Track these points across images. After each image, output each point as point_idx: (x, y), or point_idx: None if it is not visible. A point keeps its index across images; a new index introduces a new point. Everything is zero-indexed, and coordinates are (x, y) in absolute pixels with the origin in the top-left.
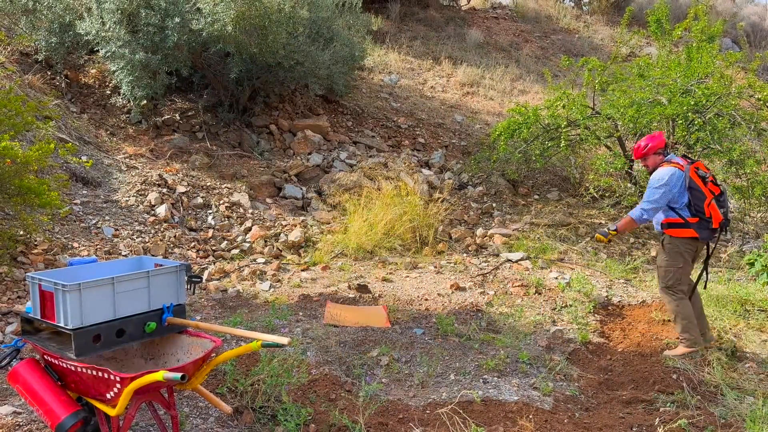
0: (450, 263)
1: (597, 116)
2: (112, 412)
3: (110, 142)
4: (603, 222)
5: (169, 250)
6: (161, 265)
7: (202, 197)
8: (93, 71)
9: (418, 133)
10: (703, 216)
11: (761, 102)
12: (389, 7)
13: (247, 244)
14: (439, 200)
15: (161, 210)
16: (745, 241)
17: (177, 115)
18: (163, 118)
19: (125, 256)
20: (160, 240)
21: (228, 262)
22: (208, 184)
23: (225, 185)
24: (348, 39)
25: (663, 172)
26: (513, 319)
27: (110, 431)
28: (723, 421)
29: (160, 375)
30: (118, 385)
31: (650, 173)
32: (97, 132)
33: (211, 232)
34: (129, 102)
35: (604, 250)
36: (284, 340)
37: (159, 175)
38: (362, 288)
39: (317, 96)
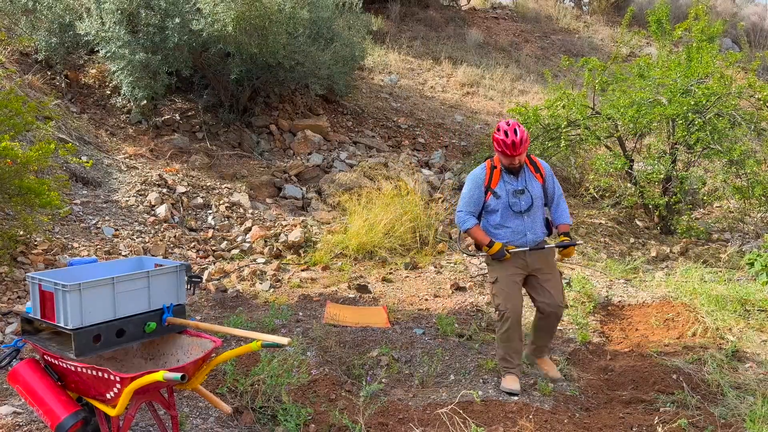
0: (450, 263)
1: (597, 116)
2: (112, 412)
3: (110, 142)
4: (603, 222)
5: (169, 250)
6: (161, 265)
7: (202, 197)
8: (93, 71)
9: (418, 133)
10: None
11: (761, 102)
12: (389, 7)
13: (247, 244)
14: (440, 200)
15: (161, 210)
16: (745, 241)
17: (177, 115)
18: (163, 118)
19: (125, 256)
20: (160, 240)
21: (228, 262)
22: (208, 184)
23: (225, 185)
24: (348, 39)
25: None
26: None
27: (110, 431)
28: (723, 421)
29: (160, 375)
30: (118, 385)
31: None
32: (97, 132)
33: (211, 232)
34: (129, 102)
35: (604, 249)
36: (284, 341)
37: (159, 175)
38: (362, 288)
39: (317, 96)
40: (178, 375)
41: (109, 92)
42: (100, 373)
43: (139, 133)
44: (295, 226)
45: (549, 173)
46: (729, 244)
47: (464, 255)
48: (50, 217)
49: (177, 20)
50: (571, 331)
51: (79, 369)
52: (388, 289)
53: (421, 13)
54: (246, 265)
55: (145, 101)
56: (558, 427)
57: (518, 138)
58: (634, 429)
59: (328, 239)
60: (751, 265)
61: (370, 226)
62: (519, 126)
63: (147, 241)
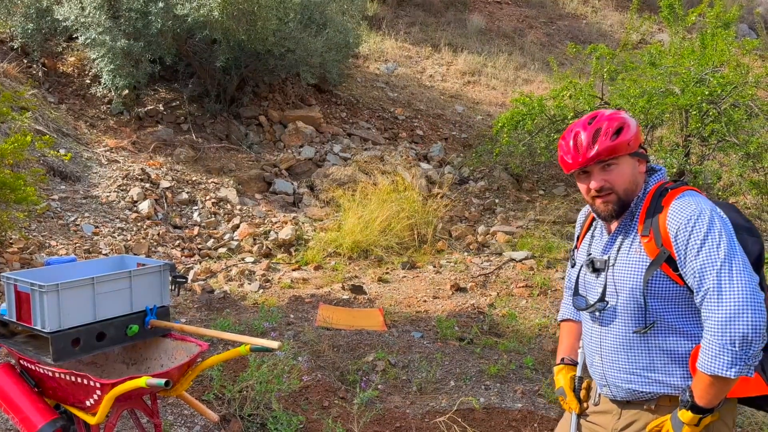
0: (450, 263)
1: (606, 107)
2: (92, 420)
3: (90, 134)
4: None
5: (153, 249)
6: (144, 265)
7: (187, 193)
8: (72, 59)
9: (416, 124)
10: None
11: None
12: None
13: (235, 243)
14: (439, 196)
15: (144, 206)
16: (764, 239)
17: (161, 105)
18: (146, 109)
19: (106, 255)
20: (143, 238)
21: (215, 262)
22: (194, 178)
23: (212, 180)
24: (342, 25)
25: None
26: (517, 322)
27: None
28: None
29: (142, 381)
30: (99, 392)
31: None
32: (76, 123)
33: (196, 229)
34: (110, 92)
35: None
36: (274, 344)
37: (142, 169)
38: (357, 289)
39: (309, 85)
40: (162, 381)
41: (88, 81)
42: (79, 379)
43: (120, 125)
44: (286, 223)
45: (689, 230)
46: None
47: (465, 254)
48: (26, 213)
49: (160, 5)
50: None
51: (57, 375)
52: (384, 290)
53: None
54: (234, 265)
55: (126, 91)
56: None
57: (588, 134)
58: None
59: (320, 237)
60: None
61: (366, 224)
62: (607, 116)
63: (129, 239)
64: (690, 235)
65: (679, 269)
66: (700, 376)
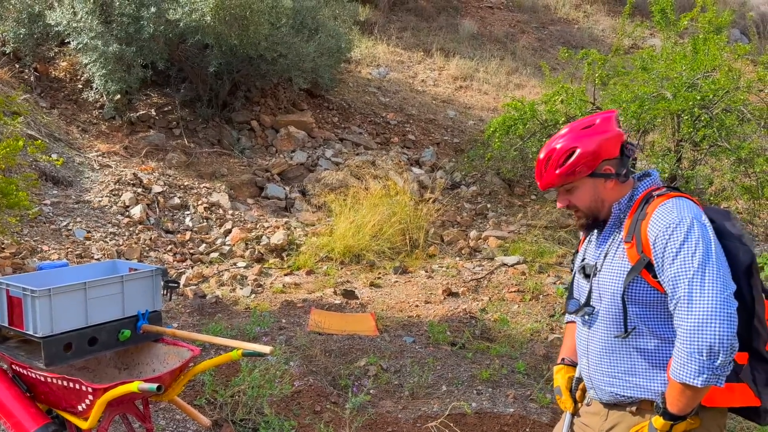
0: (442, 267)
1: (597, 112)
2: (84, 425)
3: (82, 139)
4: None
5: (145, 254)
6: (136, 270)
7: (179, 197)
8: (64, 64)
9: (408, 129)
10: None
11: None
12: None
13: (227, 247)
14: (431, 200)
15: (136, 211)
16: (755, 244)
17: (153, 110)
18: (137, 114)
19: (98, 259)
20: (135, 243)
21: (207, 266)
22: (186, 183)
23: (203, 185)
24: (334, 30)
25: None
26: (508, 327)
27: None
28: None
29: (134, 386)
30: (91, 397)
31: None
32: (68, 128)
33: (188, 234)
34: (102, 97)
35: None
36: (266, 349)
37: (134, 174)
38: (349, 294)
39: (301, 90)
40: (154, 386)
41: (80, 86)
42: (71, 384)
43: (112, 130)
44: (278, 228)
45: (667, 237)
46: None
47: (457, 258)
48: (18, 218)
49: (152, 9)
50: None
51: (48, 379)
52: (376, 295)
53: (411, 2)
54: (226, 269)
55: (118, 95)
56: None
57: (540, 162)
58: None
59: (312, 242)
60: (761, 269)
61: (357, 228)
62: (562, 141)
63: (121, 243)
64: (667, 242)
65: (658, 276)
66: (671, 383)
